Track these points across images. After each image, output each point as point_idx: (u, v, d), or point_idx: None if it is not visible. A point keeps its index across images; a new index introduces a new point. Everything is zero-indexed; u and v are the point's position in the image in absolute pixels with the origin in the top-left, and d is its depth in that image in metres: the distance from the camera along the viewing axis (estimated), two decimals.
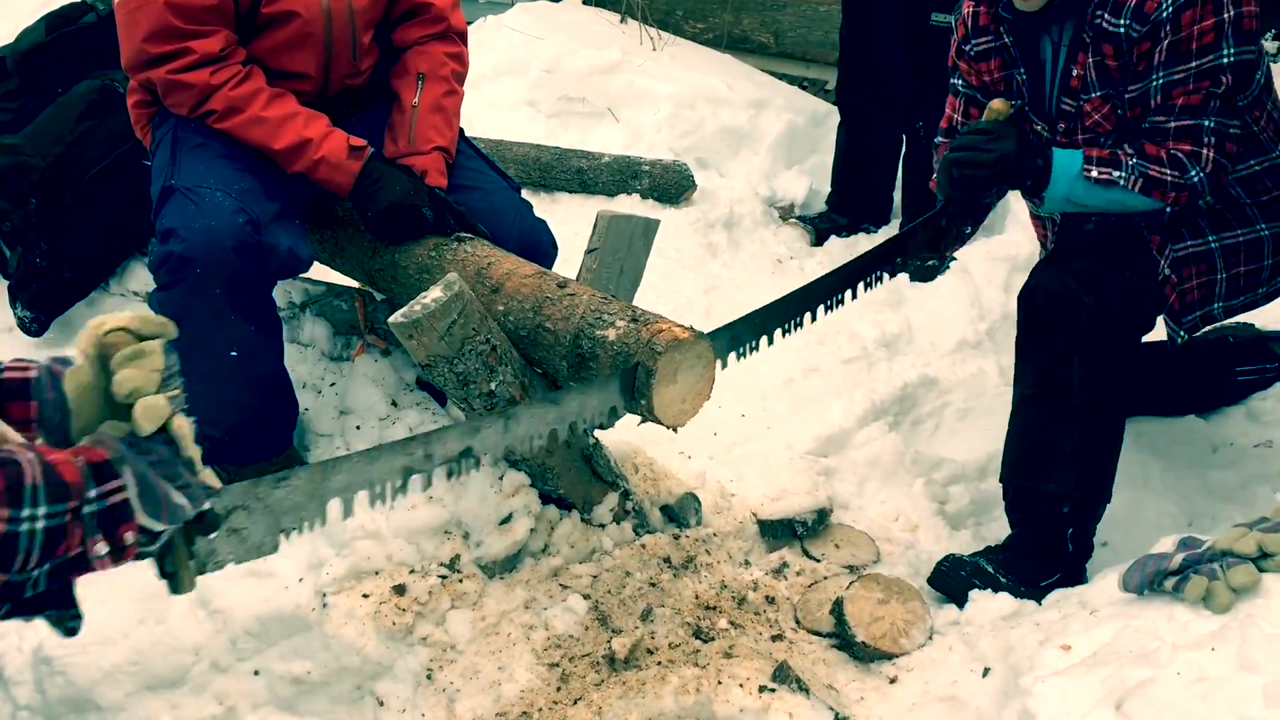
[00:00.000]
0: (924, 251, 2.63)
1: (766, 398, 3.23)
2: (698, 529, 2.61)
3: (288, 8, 2.40)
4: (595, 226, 2.49)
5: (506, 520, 2.36)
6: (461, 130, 2.69)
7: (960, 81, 2.67)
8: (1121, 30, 2.30)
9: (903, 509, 2.85)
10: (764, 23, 5.66)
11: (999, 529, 2.77)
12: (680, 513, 2.60)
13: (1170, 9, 2.23)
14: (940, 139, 2.74)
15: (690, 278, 3.75)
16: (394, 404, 2.62)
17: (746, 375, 3.31)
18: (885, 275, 2.60)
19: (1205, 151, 2.28)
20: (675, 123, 4.40)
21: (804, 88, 5.21)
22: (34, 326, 2.92)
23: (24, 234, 2.88)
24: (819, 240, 4.10)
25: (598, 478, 2.46)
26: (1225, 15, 2.24)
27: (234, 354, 2.28)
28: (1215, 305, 2.46)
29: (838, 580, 2.53)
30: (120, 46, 2.40)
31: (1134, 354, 2.45)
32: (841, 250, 4.00)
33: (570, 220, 3.80)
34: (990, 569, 2.49)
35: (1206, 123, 2.27)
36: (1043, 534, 2.48)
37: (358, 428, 2.59)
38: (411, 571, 2.26)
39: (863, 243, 3.99)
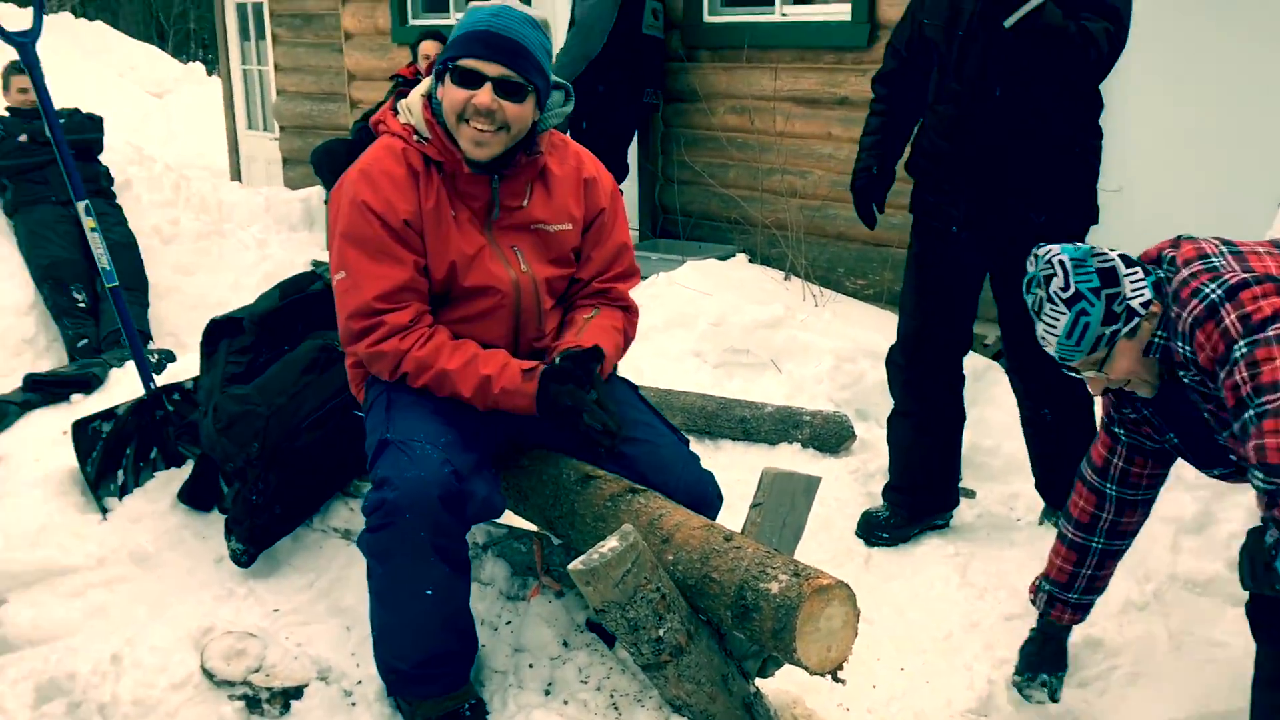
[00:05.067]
0: None
1: (926, 651, 3.23)
2: None
3: (483, 283, 2.69)
4: (760, 483, 2.63)
5: None
6: (632, 383, 2.92)
7: (1122, 431, 2.73)
8: (1196, 380, 2.33)
9: None
10: None
11: None
12: None
13: (1244, 348, 2.18)
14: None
15: (850, 526, 3.84)
16: (565, 644, 2.75)
17: (906, 628, 3.34)
18: None
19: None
20: (836, 375, 4.57)
21: None
22: (244, 558, 3.20)
23: (244, 473, 3.20)
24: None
25: None
26: None
27: (429, 592, 2.46)
28: None
29: None
30: (337, 322, 2.74)
31: None
32: None
33: (733, 467, 3.97)
34: None
35: None
36: None
37: (530, 666, 2.72)
38: None
39: None
